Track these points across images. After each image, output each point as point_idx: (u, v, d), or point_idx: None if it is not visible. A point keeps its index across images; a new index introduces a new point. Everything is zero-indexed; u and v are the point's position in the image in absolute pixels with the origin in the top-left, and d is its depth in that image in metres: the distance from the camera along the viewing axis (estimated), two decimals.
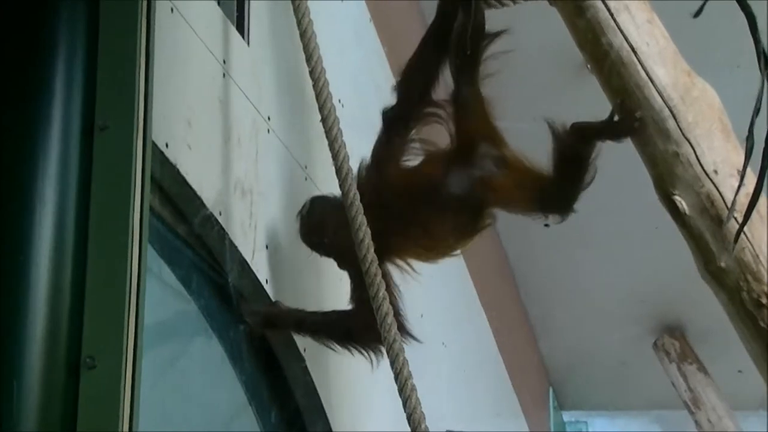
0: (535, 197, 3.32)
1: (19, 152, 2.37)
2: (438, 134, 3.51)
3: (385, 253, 3.26)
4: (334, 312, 3.49)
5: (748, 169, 2.85)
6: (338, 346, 3.46)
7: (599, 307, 6.54)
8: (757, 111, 1.60)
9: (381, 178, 3.43)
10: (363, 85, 4.34)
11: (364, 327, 3.31)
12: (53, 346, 2.26)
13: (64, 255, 2.32)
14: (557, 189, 3.29)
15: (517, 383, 6.17)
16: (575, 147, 3.23)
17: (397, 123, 3.49)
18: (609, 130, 3.14)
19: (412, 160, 3.49)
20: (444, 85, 3.50)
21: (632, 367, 6.74)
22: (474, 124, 3.42)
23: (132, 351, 2.29)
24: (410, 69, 3.49)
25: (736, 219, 2.98)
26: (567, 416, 7.08)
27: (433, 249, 3.46)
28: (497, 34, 3.45)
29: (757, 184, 1.82)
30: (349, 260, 3.28)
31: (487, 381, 5.85)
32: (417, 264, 3.48)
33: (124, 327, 2.28)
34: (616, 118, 3.10)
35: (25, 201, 2.33)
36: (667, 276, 5.96)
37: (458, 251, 3.54)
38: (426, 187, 3.40)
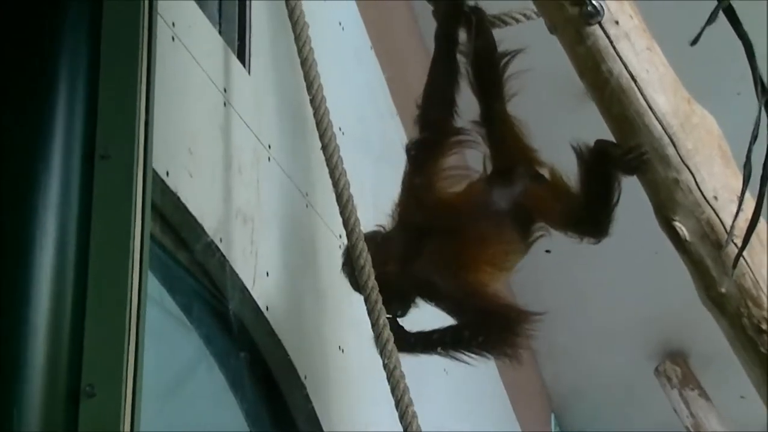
0: (571, 218, 3.34)
1: (21, 181, 2.37)
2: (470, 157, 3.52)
3: (460, 271, 3.27)
4: (451, 326, 3.40)
5: (747, 195, 2.85)
6: (471, 354, 3.37)
7: (601, 333, 6.53)
8: (754, 138, 1.60)
9: (426, 205, 3.39)
10: (364, 113, 4.36)
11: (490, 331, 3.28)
12: (53, 374, 2.26)
13: (65, 283, 2.32)
14: (588, 212, 3.31)
15: (519, 409, 6.16)
16: (600, 169, 3.25)
17: (424, 155, 3.45)
18: (620, 164, 3.16)
19: (451, 186, 3.47)
20: (466, 108, 3.51)
21: (634, 392, 6.72)
22: (508, 142, 3.43)
23: (132, 379, 2.29)
24: (427, 99, 3.47)
25: (735, 244, 2.98)
26: None
27: (491, 264, 3.39)
28: (515, 53, 3.47)
29: (755, 210, 1.83)
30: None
31: (489, 407, 5.83)
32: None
33: (124, 355, 2.27)
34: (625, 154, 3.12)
35: (27, 230, 2.32)
36: (669, 302, 5.95)
37: (516, 265, 3.49)
38: (475, 207, 3.39)
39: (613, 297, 6.35)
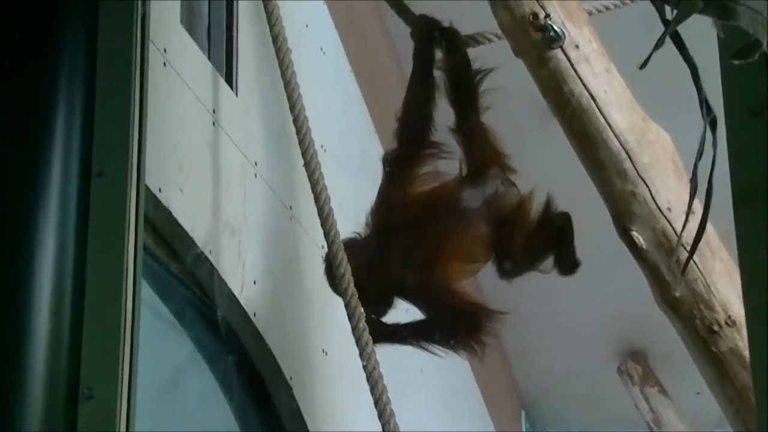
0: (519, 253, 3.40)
1: (22, 196, 2.37)
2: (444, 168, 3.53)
3: (430, 266, 3.27)
4: (422, 321, 3.39)
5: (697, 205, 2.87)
6: (439, 347, 3.37)
7: (568, 335, 6.53)
8: (699, 155, 1.61)
9: (398, 207, 3.39)
10: (344, 131, 4.36)
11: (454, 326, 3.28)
12: (53, 377, 2.25)
13: (64, 292, 2.31)
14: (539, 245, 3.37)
15: (491, 406, 6.16)
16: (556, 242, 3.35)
17: (400, 166, 3.44)
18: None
19: (423, 188, 3.47)
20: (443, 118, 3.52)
21: (599, 390, 6.72)
22: (482, 147, 3.44)
23: (127, 382, 2.28)
24: (405, 114, 3.47)
25: (686, 250, 3.00)
26: None
27: (458, 258, 3.39)
28: (488, 71, 3.48)
29: (701, 221, 1.84)
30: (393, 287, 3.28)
31: (463, 404, 5.83)
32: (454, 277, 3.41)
33: (119, 360, 2.27)
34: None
35: (27, 242, 2.32)
36: (629, 305, 5.95)
37: (483, 260, 3.46)
38: (444, 203, 3.40)
39: (579, 301, 6.36)
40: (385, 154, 3.48)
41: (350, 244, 3.31)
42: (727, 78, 1.98)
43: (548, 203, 3.41)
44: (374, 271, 3.29)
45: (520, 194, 3.43)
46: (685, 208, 3.04)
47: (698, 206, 3.02)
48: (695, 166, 1.59)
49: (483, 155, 3.43)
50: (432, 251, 3.31)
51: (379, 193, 3.44)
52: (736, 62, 1.48)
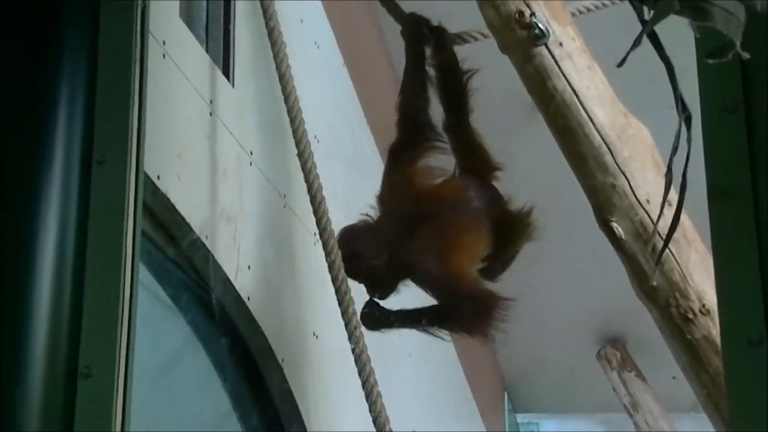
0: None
1: (25, 183, 2.37)
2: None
3: (442, 255, 3.28)
4: (429, 306, 3.37)
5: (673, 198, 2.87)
6: (444, 331, 3.37)
7: (550, 320, 6.55)
8: (674, 150, 1.62)
9: (407, 197, 3.38)
10: (337, 123, 4.36)
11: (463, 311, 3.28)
12: (53, 357, 2.26)
13: (64, 276, 2.32)
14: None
15: (475, 388, 6.18)
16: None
17: (404, 154, 3.44)
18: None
19: (428, 180, 3.47)
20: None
21: (579, 374, 6.75)
22: (469, 149, 3.45)
23: (125, 361, 2.29)
24: (403, 107, 3.47)
25: (662, 238, 3.00)
26: (521, 418, 7.08)
27: (467, 251, 3.39)
28: (474, 71, 3.48)
29: (675, 213, 1.85)
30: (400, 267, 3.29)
31: (449, 387, 5.85)
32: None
33: (117, 340, 2.28)
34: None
35: (29, 227, 2.32)
36: (609, 293, 5.98)
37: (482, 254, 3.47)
38: (455, 200, 3.40)
39: (561, 288, 6.38)
40: (391, 144, 3.46)
41: (360, 227, 3.32)
42: (704, 76, 1.99)
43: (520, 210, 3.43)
44: (385, 255, 3.29)
45: (504, 200, 3.44)
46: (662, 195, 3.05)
47: (674, 199, 3.06)
48: (670, 161, 1.60)
49: (472, 156, 3.44)
50: (445, 241, 3.32)
51: (384, 180, 3.44)
52: (710, 61, 1.49)
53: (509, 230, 3.41)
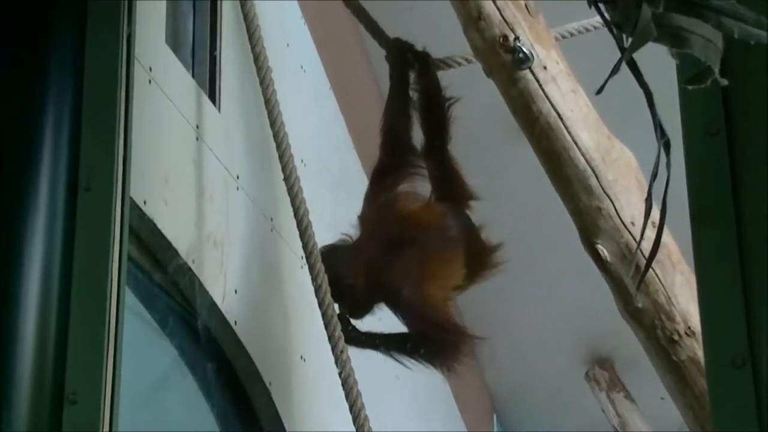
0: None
1: (12, 209, 2.37)
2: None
3: (418, 282, 3.28)
4: (401, 333, 3.39)
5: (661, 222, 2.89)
6: (413, 361, 3.38)
7: (538, 341, 6.56)
8: (654, 176, 1.63)
9: (388, 220, 3.40)
10: (324, 146, 4.37)
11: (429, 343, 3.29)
12: (39, 382, 2.26)
13: (50, 302, 2.32)
14: None
15: (463, 409, 6.17)
16: None
17: (387, 177, 3.46)
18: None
19: (409, 205, 3.48)
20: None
21: (567, 394, 6.75)
22: (446, 177, 3.45)
23: (111, 387, 2.29)
24: (387, 131, 3.49)
25: (646, 264, 3.02)
26: None
27: (444, 280, 3.40)
28: (456, 98, 3.49)
29: (655, 239, 1.86)
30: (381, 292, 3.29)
31: (437, 408, 5.84)
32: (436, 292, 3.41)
33: (103, 366, 2.27)
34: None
35: (16, 252, 2.33)
36: (597, 315, 5.99)
37: (461, 285, 3.49)
38: (436, 227, 3.42)
39: (549, 309, 6.39)
40: (373, 167, 3.48)
41: (340, 247, 3.33)
42: (685, 99, 2.00)
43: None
44: (362, 276, 3.29)
45: (478, 229, 3.46)
46: (648, 223, 3.06)
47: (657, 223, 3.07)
48: (650, 187, 1.61)
49: (449, 185, 3.45)
50: (421, 269, 3.32)
51: (366, 201, 3.45)
52: (689, 88, 1.50)
53: (475, 261, 3.43)
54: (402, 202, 3.42)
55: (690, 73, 1.59)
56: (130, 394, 2.48)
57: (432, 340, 3.29)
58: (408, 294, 3.23)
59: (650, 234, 3.00)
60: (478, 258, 3.44)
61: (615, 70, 1.44)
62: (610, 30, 1.49)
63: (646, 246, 2.99)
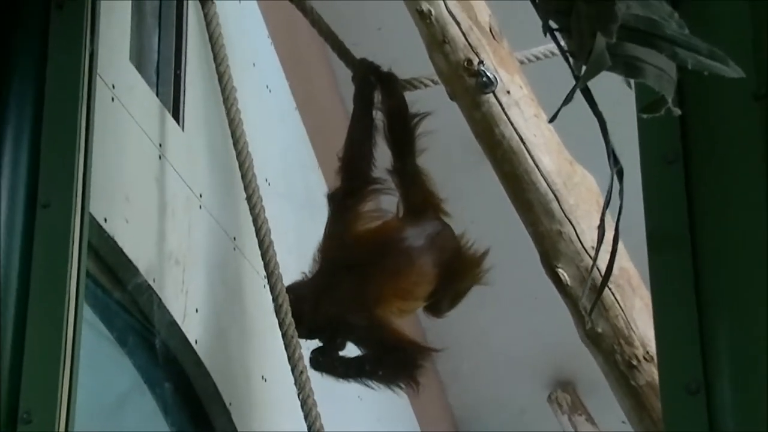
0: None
1: None
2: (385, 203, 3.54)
3: (370, 304, 3.26)
4: (360, 357, 3.37)
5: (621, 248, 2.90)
6: (375, 382, 3.35)
7: (501, 364, 6.57)
8: (607, 203, 1.65)
9: (343, 245, 3.37)
10: (289, 166, 4.36)
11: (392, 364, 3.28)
12: None
13: (6, 319, 2.30)
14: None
15: (426, 430, 6.16)
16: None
17: (344, 202, 3.42)
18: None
19: (367, 225, 3.45)
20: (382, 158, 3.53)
21: (530, 416, 6.76)
22: (417, 190, 3.45)
23: (66, 407, 2.27)
24: (347, 153, 3.47)
25: (599, 290, 3.03)
26: None
27: (400, 297, 3.36)
28: (424, 115, 3.49)
29: (608, 263, 1.87)
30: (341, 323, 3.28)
31: (400, 429, 5.83)
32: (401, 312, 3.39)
33: (58, 385, 2.26)
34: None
35: None
36: (561, 336, 6.00)
37: (425, 296, 3.43)
38: (388, 242, 3.38)
39: (513, 332, 6.41)
40: (330, 191, 3.47)
41: (296, 286, 3.29)
42: (643, 127, 2.01)
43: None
44: (319, 310, 3.27)
45: (455, 236, 3.44)
46: (608, 247, 3.07)
47: (622, 249, 3.08)
48: (602, 214, 1.62)
49: (418, 197, 3.45)
50: (374, 290, 3.30)
51: (325, 230, 3.44)
52: (644, 116, 1.51)
53: (459, 267, 3.40)
54: (359, 223, 3.40)
55: (647, 100, 1.60)
56: (88, 411, 2.46)
57: (387, 360, 3.28)
58: (355, 318, 3.21)
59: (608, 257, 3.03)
60: (460, 264, 3.42)
61: (568, 98, 1.45)
62: (566, 59, 1.50)
63: (603, 268, 3.02)
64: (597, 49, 1.37)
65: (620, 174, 1.57)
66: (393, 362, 3.23)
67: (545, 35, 1.48)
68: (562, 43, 1.51)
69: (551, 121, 1.46)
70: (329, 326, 3.29)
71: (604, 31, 1.35)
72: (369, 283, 3.29)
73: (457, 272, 3.40)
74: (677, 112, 1.47)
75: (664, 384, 1.96)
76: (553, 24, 1.44)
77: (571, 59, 1.50)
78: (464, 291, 3.49)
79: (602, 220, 1.64)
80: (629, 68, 1.42)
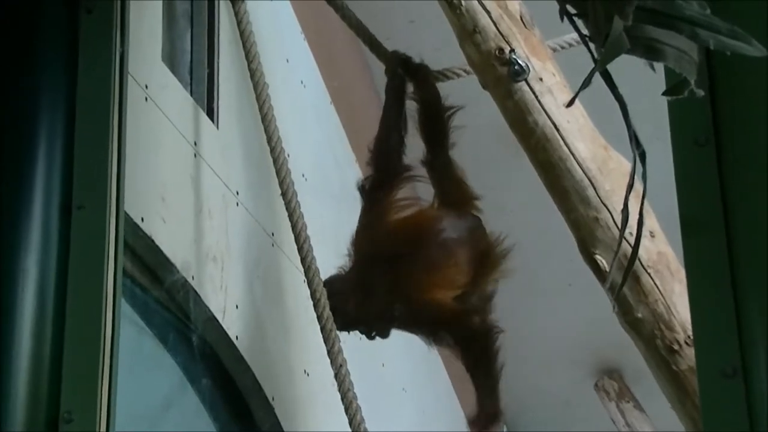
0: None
1: (4, 231, 2.38)
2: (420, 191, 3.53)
3: (409, 294, 3.26)
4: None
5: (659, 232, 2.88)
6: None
7: (546, 354, 6.55)
8: (630, 187, 1.64)
9: (379, 236, 3.37)
10: (325, 161, 4.38)
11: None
12: (35, 402, 2.26)
13: (45, 321, 2.32)
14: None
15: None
16: None
17: (376, 192, 3.43)
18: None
19: (401, 214, 3.44)
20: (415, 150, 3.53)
21: (577, 405, 6.74)
22: (450, 183, 3.44)
23: (107, 406, 2.29)
24: (378, 144, 3.47)
25: (649, 274, 3.02)
26: None
27: (441, 287, 3.33)
28: (457, 108, 3.48)
29: (633, 248, 1.87)
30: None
31: (445, 420, 5.83)
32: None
33: (98, 385, 2.28)
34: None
35: (10, 273, 2.34)
36: (604, 324, 5.96)
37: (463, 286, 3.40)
38: (427, 233, 3.36)
39: (556, 321, 6.39)
40: (360, 181, 3.47)
41: (334, 281, 3.30)
42: (674, 110, 2.00)
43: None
44: (363, 305, 3.28)
45: (487, 232, 3.43)
46: (646, 232, 3.06)
47: (659, 234, 3.06)
48: (626, 198, 1.61)
49: (451, 189, 3.43)
50: (415, 280, 3.30)
51: (358, 222, 3.44)
52: (668, 98, 1.50)
53: (485, 261, 3.39)
54: (393, 213, 3.40)
55: (671, 82, 1.59)
56: (131, 409, 2.48)
57: (452, 331, 3.28)
58: (404, 309, 3.21)
59: (646, 243, 3.02)
60: (487, 258, 3.40)
61: (586, 82, 1.44)
62: (585, 43, 1.49)
63: (642, 253, 3.00)
64: (614, 33, 1.36)
65: (643, 157, 1.56)
66: (459, 330, 3.22)
67: (562, 20, 1.47)
68: (581, 28, 1.50)
69: (568, 105, 1.46)
70: (375, 316, 3.29)
71: (620, 13, 1.34)
72: (409, 273, 3.29)
73: (482, 266, 3.38)
74: (700, 93, 1.46)
75: (701, 368, 1.95)
76: (570, 9, 1.43)
77: (589, 42, 1.49)
78: (490, 284, 3.45)
79: (626, 204, 1.63)
80: (649, 50, 1.41)
